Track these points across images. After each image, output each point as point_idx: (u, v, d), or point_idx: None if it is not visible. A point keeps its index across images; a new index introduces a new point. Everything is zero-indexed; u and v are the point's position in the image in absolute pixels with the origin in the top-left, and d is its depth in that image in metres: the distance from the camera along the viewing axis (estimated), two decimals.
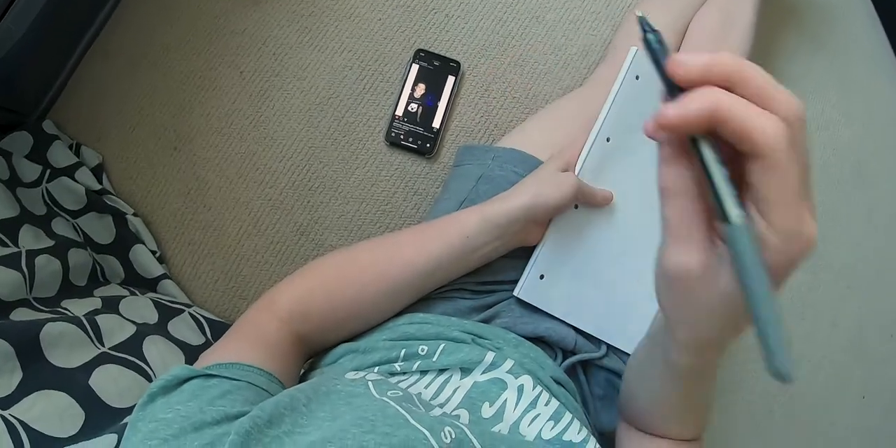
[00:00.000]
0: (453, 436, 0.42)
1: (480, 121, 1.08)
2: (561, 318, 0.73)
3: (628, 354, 0.74)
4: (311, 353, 0.67)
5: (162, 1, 1.04)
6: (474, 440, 0.44)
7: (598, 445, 0.54)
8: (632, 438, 0.61)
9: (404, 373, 0.60)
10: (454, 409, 0.54)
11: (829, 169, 1.23)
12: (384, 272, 0.65)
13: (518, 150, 0.82)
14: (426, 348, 0.61)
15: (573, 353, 0.73)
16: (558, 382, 0.67)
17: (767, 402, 1.19)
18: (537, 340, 0.72)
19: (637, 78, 0.74)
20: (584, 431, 0.56)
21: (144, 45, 1.02)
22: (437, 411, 0.50)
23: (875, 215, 1.25)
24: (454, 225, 0.67)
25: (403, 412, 0.42)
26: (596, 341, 0.76)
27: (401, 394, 0.48)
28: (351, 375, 0.52)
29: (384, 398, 0.45)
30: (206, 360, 0.51)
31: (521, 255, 0.73)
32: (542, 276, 0.73)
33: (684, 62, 0.30)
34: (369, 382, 0.48)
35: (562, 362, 0.72)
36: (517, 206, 0.66)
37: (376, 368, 0.61)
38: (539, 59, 1.12)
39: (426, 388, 0.57)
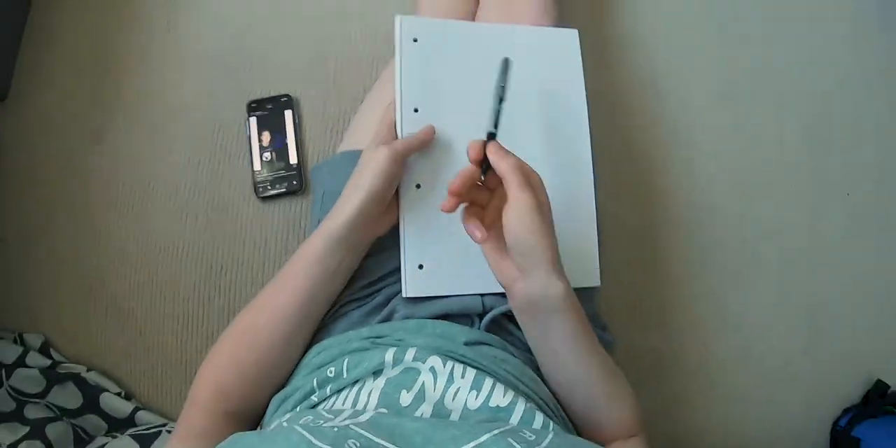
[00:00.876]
0: (358, 445, 0.42)
1: (332, 136, 1.08)
2: (459, 293, 0.70)
3: None
4: (253, 420, 0.67)
5: (24, 177, 1.09)
6: (383, 442, 0.43)
7: (528, 406, 0.54)
8: None
9: (323, 400, 0.60)
10: (373, 410, 0.54)
11: None
12: (267, 326, 0.65)
13: (347, 152, 0.80)
14: (333, 369, 0.60)
15: (486, 312, 0.71)
16: (478, 342, 0.65)
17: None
18: (444, 317, 0.69)
19: (415, 40, 0.72)
20: (511, 394, 0.55)
21: (22, 222, 1.08)
22: (344, 416, 0.49)
23: None
24: (306, 255, 0.66)
25: (307, 435, 0.42)
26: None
27: (311, 417, 0.48)
28: (273, 425, 0.53)
29: (294, 426, 0.44)
30: None
31: (388, 242, 0.71)
32: (420, 266, 0.70)
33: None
34: (283, 423, 0.49)
35: (479, 325, 0.70)
36: (348, 214, 0.64)
37: (298, 408, 0.61)
38: (360, 54, 1.10)
39: (343, 403, 0.57)
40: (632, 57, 1.21)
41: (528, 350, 0.70)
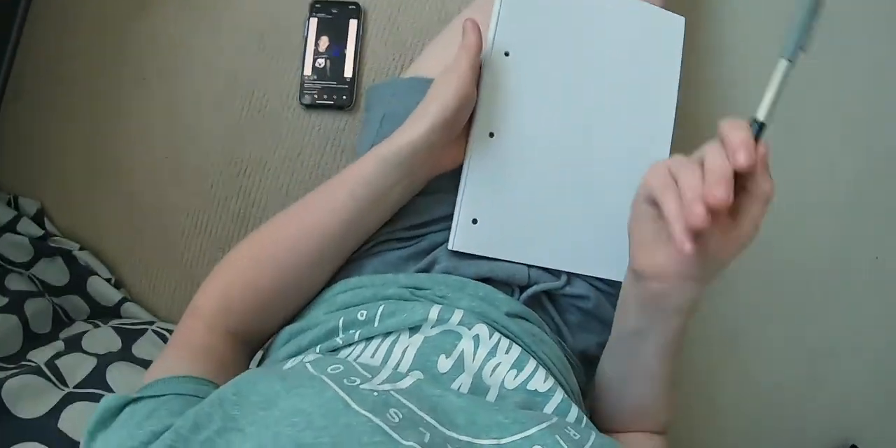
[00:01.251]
0: (400, 416, 0.39)
1: (395, 57, 1.00)
2: (509, 259, 0.65)
3: (590, 278, 0.68)
4: (255, 345, 0.62)
5: (63, 24, 1.00)
6: (426, 417, 0.40)
7: (564, 397, 0.50)
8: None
9: (349, 345, 0.54)
10: (407, 371, 0.49)
11: None
12: (296, 244, 0.58)
13: (417, 78, 0.73)
14: (365, 313, 0.55)
15: (529, 285, 0.66)
16: (518, 316, 0.60)
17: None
18: (486, 280, 0.64)
19: None
20: (551, 381, 0.51)
21: (45, 80, 1.00)
22: (383, 376, 0.44)
23: None
24: (354, 175, 0.59)
25: (343, 394, 0.39)
26: (554, 270, 0.68)
27: (342, 368, 0.43)
28: (289, 364, 0.49)
29: (322, 377, 0.41)
30: (145, 381, 0.49)
31: (446, 184, 0.65)
32: (474, 221, 0.64)
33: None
34: (307, 364, 0.44)
35: (519, 297, 0.65)
36: (414, 135, 0.57)
37: (317, 348, 0.55)
38: None
39: (373, 356, 0.52)
40: (708, 66, 1.15)
41: (558, 333, 0.67)
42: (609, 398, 0.61)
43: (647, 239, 0.48)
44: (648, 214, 0.47)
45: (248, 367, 0.60)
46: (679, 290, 0.48)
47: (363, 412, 0.37)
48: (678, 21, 0.73)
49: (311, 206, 0.60)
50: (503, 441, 0.40)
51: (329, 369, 0.43)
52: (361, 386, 0.41)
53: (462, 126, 0.61)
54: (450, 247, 0.63)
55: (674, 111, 0.71)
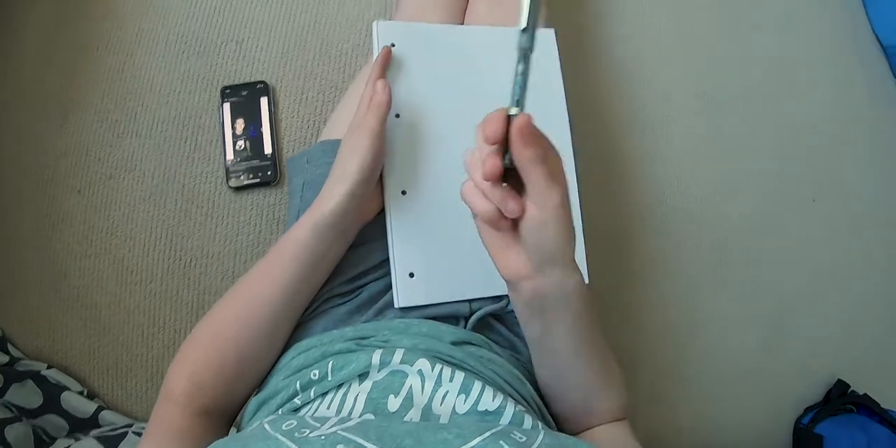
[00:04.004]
0: None
1: (310, 126, 1.03)
2: (452, 300, 0.69)
3: None
4: (229, 417, 0.64)
5: None
6: (372, 445, 0.42)
7: (517, 407, 0.53)
8: None
9: (306, 404, 0.57)
10: (359, 417, 0.51)
11: None
12: (248, 317, 0.61)
13: (327, 141, 0.77)
14: (317, 372, 0.58)
15: (472, 314, 0.70)
16: (464, 342, 0.64)
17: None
18: (433, 319, 0.67)
19: (393, 45, 0.70)
20: (500, 397, 0.53)
21: None
22: (331, 423, 0.46)
23: None
24: (291, 243, 0.62)
25: (293, 445, 0.41)
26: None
27: (295, 423, 0.46)
28: (252, 425, 0.51)
29: (276, 435, 0.43)
30: None
31: (371, 233, 0.69)
32: (411, 275, 0.68)
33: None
34: (265, 424, 0.46)
35: (465, 324, 0.69)
36: (339, 198, 0.61)
37: (279, 411, 0.59)
38: (341, 40, 1.06)
39: (328, 407, 0.55)
40: (610, 58, 1.19)
41: (512, 348, 0.70)
42: (556, 400, 0.63)
43: (498, 248, 0.51)
44: (485, 229, 0.51)
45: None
46: (546, 282, 0.51)
47: None
48: (548, 34, 0.77)
49: (257, 280, 0.62)
50: None
51: (283, 426, 0.45)
52: (311, 435, 0.43)
53: (377, 175, 0.65)
54: (396, 305, 0.67)
55: (567, 123, 0.75)
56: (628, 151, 1.17)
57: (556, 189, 0.47)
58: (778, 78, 1.25)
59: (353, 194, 0.61)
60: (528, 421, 0.52)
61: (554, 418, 0.65)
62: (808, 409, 1.17)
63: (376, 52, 0.69)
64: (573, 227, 0.50)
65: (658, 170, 1.18)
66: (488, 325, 0.70)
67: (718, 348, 1.15)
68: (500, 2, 0.85)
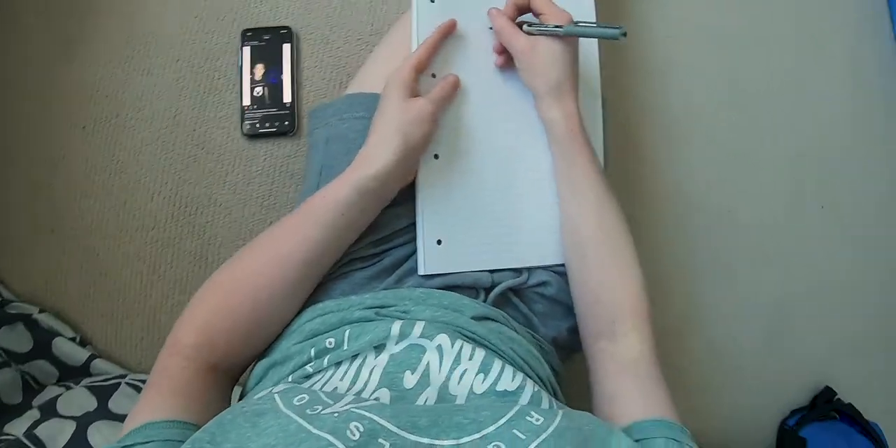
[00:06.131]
0: (361, 430, 0.40)
1: (332, 77, 0.98)
2: (475, 270, 0.67)
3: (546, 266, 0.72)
4: (235, 376, 0.62)
5: None
6: (388, 424, 0.41)
7: (536, 388, 0.51)
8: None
9: (319, 371, 0.56)
10: (373, 392, 0.50)
11: None
12: (271, 274, 0.59)
13: (354, 94, 0.73)
14: (333, 340, 0.57)
15: (493, 286, 0.68)
16: (485, 317, 0.62)
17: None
18: (452, 288, 0.66)
19: (432, 1, 0.68)
20: (519, 377, 0.52)
21: None
22: (346, 401, 0.45)
23: None
24: (325, 204, 0.60)
25: (304, 423, 0.40)
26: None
27: (307, 398, 0.45)
28: (261, 394, 0.49)
29: (288, 412, 0.42)
30: (125, 428, 0.48)
31: (398, 197, 0.66)
32: (438, 242, 0.66)
33: None
34: (276, 395, 0.45)
35: (485, 297, 0.67)
36: (386, 163, 0.60)
37: (290, 377, 0.57)
38: None
39: (342, 379, 0.53)
40: (640, 50, 1.16)
41: (528, 325, 0.69)
42: (576, 275, 0.66)
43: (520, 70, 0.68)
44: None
45: (229, 402, 0.59)
46: (539, 105, 0.68)
47: (323, 434, 0.38)
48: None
49: (282, 237, 0.60)
50: (462, 441, 0.41)
51: (295, 401, 0.44)
52: (323, 412, 0.42)
53: (426, 149, 0.64)
54: (421, 272, 0.65)
55: (599, 93, 0.76)
56: (645, 150, 1.14)
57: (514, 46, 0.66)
58: (797, 85, 1.22)
59: (401, 160, 0.60)
60: (546, 401, 0.50)
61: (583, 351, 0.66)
62: (794, 412, 1.17)
63: (415, 6, 0.67)
64: (550, 73, 0.65)
65: (675, 169, 1.16)
66: (507, 299, 0.69)
67: (715, 344, 1.15)
68: None
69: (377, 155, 0.60)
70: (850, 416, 1.14)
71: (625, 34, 0.60)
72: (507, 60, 0.69)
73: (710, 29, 1.19)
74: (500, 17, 0.67)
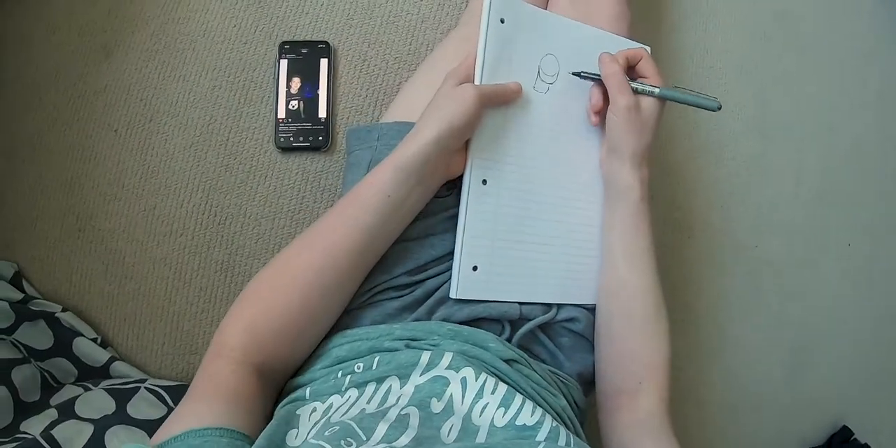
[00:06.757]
0: None
1: (368, 94, 0.99)
2: (506, 300, 0.68)
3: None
4: (277, 385, 0.61)
5: (20, 86, 0.98)
6: None
7: (554, 423, 0.51)
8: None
9: (346, 390, 0.56)
10: (403, 408, 0.51)
11: None
12: (321, 266, 0.58)
13: (402, 122, 0.74)
14: (362, 365, 0.57)
15: (521, 319, 0.68)
16: (511, 360, 0.62)
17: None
18: (479, 320, 0.66)
19: (502, 21, 0.67)
20: (538, 412, 0.52)
21: (14, 138, 0.97)
22: (390, 416, 0.47)
23: None
24: (370, 189, 0.60)
25: None
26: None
27: (337, 429, 0.45)
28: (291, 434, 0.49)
29: (320, 443, 0.42)
30: (163, 433, 0.47)
31: (435, 228, 0.68)
32: (475, 268, 0.66)
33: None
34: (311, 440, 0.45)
35: (511, 334, 0.67)
36: (426, 142, 0.60)
37: (318, 397, 0.56)
38: (410, 9, 1.01)
39: (368, 402, 0.53)
40: (676, 70, 1.17)
41: (553, 361, 0.70)
42: (606, 331, 0.69)
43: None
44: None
45: (272, 414, 0.58)
46: (609, 168, 0.70)
47: None
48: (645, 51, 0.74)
49: (329, 228, 0.60)
50: None
51: (326, 433, 0.44)
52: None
53: (467, 137, 0.64)
54: (453, 295, 0.65)
55: None
56: (676, 172, 1.15)
57: (624, 97, 0.66)
58: (830, 117, 1.24)
59: (440, 141, 0.59)
60: (563, 438, 0.51)
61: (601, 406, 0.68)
62: None
63: (485, 22, 0.66)
64: (639, 131, 0.67)
65: (707, 193, 1.16)
66: (534, 336, 0.69)
67: (738, 376, 1.16)
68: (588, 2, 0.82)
69: (417, 135, 0.60)
70: None
71: (720, 107, 0.64)
72: (601, 119, 0.71)
73: (739, 59, 1.21)
74: (615, 64, 0.67)
